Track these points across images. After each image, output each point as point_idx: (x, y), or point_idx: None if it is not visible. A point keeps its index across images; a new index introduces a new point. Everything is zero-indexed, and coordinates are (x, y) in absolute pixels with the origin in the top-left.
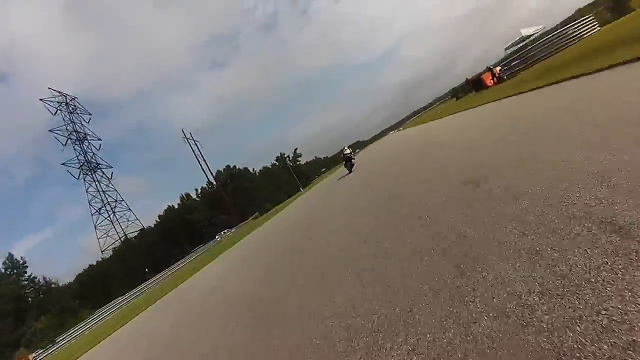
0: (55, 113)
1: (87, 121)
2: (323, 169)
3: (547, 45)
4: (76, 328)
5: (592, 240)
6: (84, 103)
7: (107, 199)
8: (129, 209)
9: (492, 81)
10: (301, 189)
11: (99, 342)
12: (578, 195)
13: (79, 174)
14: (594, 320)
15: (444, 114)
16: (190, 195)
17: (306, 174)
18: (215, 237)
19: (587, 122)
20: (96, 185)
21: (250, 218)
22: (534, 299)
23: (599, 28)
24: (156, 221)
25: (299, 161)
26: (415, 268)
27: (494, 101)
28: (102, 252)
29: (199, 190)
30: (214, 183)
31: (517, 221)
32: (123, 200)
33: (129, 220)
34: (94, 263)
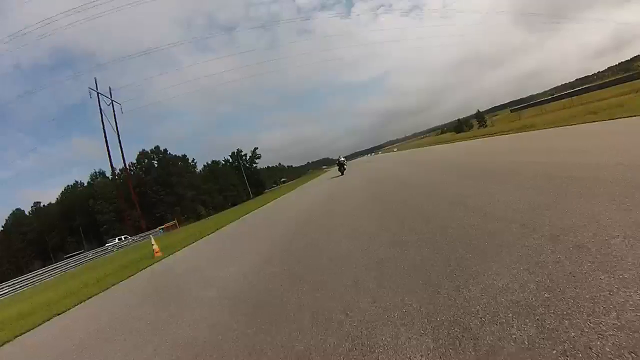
0: None
1: None
2: (283, 179)
3: None
4: None
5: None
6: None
7: None
8: None
9: None
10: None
11: None
12: None
13: None
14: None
15: None
16: (104, 175)
17: (262, 181)
18: (106, 244)
19: None
20: None
21: (159, 228)
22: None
23: None
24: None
25: (256, 163)
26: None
27: None
28: None
29: (117, 171)
30: (126, 166)
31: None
32: None
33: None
34: None
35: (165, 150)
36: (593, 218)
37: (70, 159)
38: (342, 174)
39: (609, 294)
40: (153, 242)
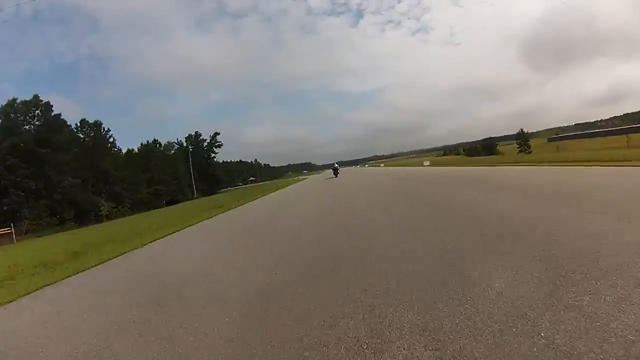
0: None
1: None
2: (252, 177)
3: None
4: None
5: None
6: None
7: None
8: None
9: None
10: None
11: None
12: None
13: None
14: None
15: None
16: None
17: (218, 177)
18: None
19: None
20: None
21: None
22: None
23: None
24: None
25: (215, 153)
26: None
27: None
28: None
29: None
30: None
31: None
32: None
33: None
34: None
35: (49, 104)
36: None
37: None
38: (336, 176)
39: None
40: None
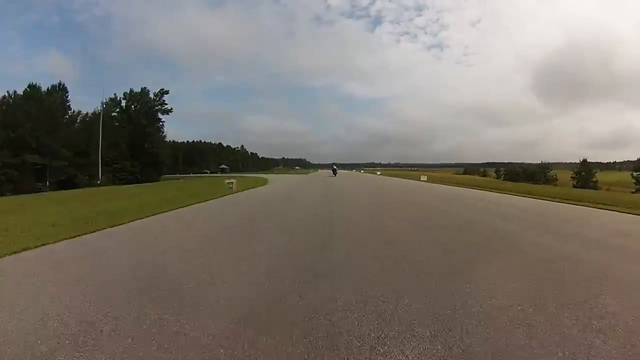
0: None
1: None
2: (223, 165)
3: None
4: None
5: None
6: None
7: None
8: None
9: None
10: None
11: None
12: None
13: None
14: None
15: None
16: None
17: (159, 157)
18: None
19: None
20: None
21: None
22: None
23: None
24: None
25: (160, 121)
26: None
27: None
28: None
29: None
30: None
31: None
32: None
33: None
34: None
35: None
36: None
37: None
38: (335, 175)
39: None
40: None
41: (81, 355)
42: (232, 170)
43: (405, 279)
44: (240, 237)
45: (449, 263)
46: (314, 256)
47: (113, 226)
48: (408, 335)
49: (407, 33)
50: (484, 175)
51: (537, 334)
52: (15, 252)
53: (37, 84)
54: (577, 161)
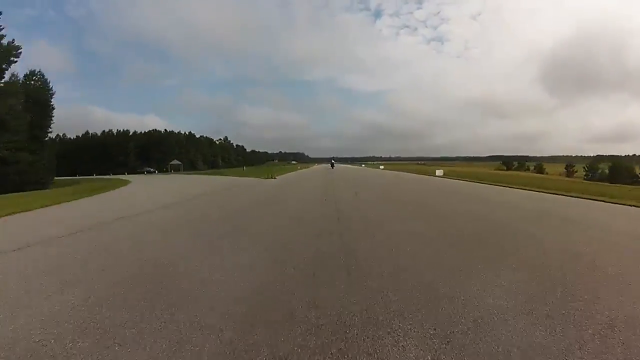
0: None
1: None
2: (174, 162)
3: None
4: None
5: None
6: None
7: None
8: None
9: None
10: None
11: None
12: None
13: None
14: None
15: None
16: None
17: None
18: None
19: None
20: None
21: None
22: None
23: None
24: None
25: (51, 102)
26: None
27: None
28: None
29: None
30: None
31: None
32: None
33: None
34: None
35: None
36: None
37: None
38: (333, 168)
39: None
40: None
41: None
42: (189, 168)
43: None
44: None
45: None
46: None
47: None
48: None
49: (406, 26)
50: (540, 172)
51: None
52: None
53: None
54: (578, 155)
